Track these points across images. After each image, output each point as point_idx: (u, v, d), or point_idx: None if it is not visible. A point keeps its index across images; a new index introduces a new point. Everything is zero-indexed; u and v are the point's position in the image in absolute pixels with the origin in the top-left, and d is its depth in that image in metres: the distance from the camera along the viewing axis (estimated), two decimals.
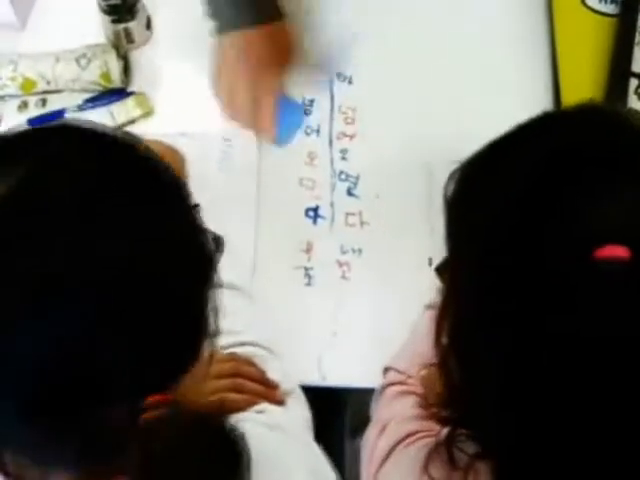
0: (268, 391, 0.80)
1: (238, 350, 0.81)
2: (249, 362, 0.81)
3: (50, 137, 0.56)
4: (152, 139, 0.77)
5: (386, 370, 0.84)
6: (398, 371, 0.81)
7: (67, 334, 0.47)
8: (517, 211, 0.52)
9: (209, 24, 1.02)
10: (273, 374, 0.82)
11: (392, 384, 0.80)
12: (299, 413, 0.81)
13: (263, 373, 0.81)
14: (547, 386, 0.50)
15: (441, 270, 0.61)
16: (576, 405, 0.49)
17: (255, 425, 0.69)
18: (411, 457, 0.68)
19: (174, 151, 0.94)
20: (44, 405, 0.49)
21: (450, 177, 0.60)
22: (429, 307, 0.81)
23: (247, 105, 1.04)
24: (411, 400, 0.75)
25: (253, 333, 0.83)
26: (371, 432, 0.78)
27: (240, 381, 0.78)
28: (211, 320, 0.56)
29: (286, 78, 1.08)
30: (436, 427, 0.68)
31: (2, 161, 0.53)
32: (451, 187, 0.59)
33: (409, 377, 0.79)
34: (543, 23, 1.17)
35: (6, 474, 0.55)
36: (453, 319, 0.58)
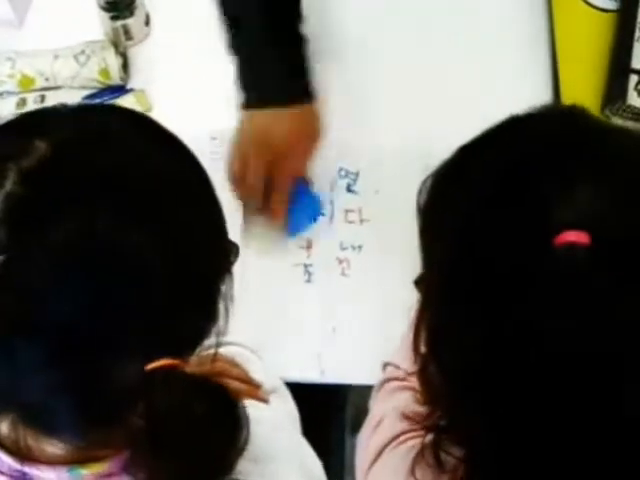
0: (252, 390, 0.80)
1: (221, 350, 0.81)
2: (232, 362, 0.82)
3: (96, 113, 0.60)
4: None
5: (385, 366, 0.84)
6: (397, 366, 0.81)
7: (95, 297, 0.49)
8: (484, 209, 0.53)
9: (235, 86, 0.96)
10: (255, 374, 0.82)
11: (390, 379, 0.80)
12: (283, 408, 0.81)
13: (246, 373, 0.82)
14: (520, 384, 0.50)
15: (420, 283, 0.62)
16: (549, 399, 0.49)
17: None
18: (400, 457, 0.68)
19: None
20: (61, 357, 0.49)
21: (421, 186, 0.60)
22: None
23: (259, 185, 0.95)
24: (408, 396, 0.75)
25: (235, 334, 0.83)
26: (366, 428, 0.78)
27: (224, 380, 0.79)
28: (221, 308, 0.58)
29: (308, 165, 0.99)
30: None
31: (49, 126, 0.54)
32: (423, 196, 0.59)
33: (407, 373, 0.79)
34: (543, 19, 1.17)
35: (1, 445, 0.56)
36: (429, 326, 0.58)
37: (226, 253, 0.61)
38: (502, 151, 0.56)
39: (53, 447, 0.56)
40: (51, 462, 0.56)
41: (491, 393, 0.52)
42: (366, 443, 0.76)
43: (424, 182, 0.60)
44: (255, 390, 0.81)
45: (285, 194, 0.97)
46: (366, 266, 1.01)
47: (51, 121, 0.55)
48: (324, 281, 1.00)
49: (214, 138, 1.07)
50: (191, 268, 0.54)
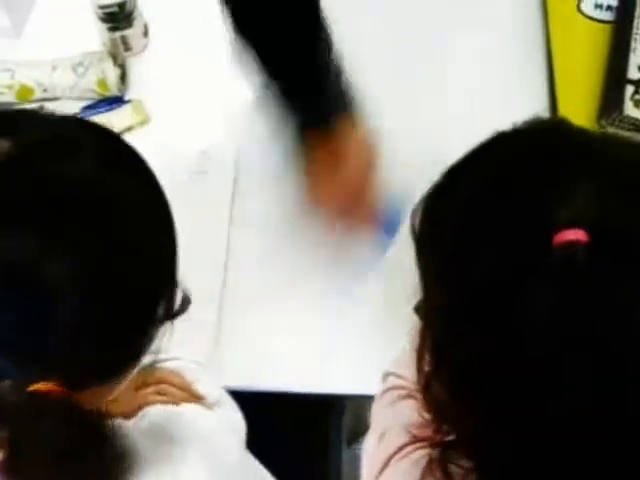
0: (190, 396, 0.82)
1: (169, 364, 0.84)
2: (172, 372, 0.84)
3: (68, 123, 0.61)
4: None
5: (386, 375, 0.83)
6: (398, 376, 0.81)
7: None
8: (481, 215, 0.54)
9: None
10: (198, 385, 0.83)
11: (392, 389, 0.80)
12: (224, 417, 0.81)
13: (185, 380, 0.83)
14: (526, 390, 0.50)
15: (419, 309, 0.62)
16: (556, 404, 0.49)
17: (159, 410, 0.73)
18: (408, 469, 0.68)
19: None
20: None
21: (415, 208, 0.60)
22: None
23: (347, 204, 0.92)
24: (411, 405, 0.75)
25: (178, 349, 0.84)
26: (370, 439, 0.77)
27: (162, 386, 0.81)
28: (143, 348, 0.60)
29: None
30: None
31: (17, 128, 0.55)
32: (417, 218, 0.60)
33: (410, 382, 0.79)
34: (539, 30, 1.18)
35: None
36: (432, 344, 0.58)
37: (171, 293, 0.61)
38: (495, 161, 0.56)
39: None
40: None
41: (498, 403, 0.52)
42: (372, 454, 0.76)
43: (415, 209, 0.60)
44: (193, 396, 0.82)
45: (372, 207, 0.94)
46: (367, 277, 1.01)
47: (20, 124, 0.56)
48: (324, 292, 1.00)
49: (205, 152, 1.07)
50: (115, 303, 0.54)
